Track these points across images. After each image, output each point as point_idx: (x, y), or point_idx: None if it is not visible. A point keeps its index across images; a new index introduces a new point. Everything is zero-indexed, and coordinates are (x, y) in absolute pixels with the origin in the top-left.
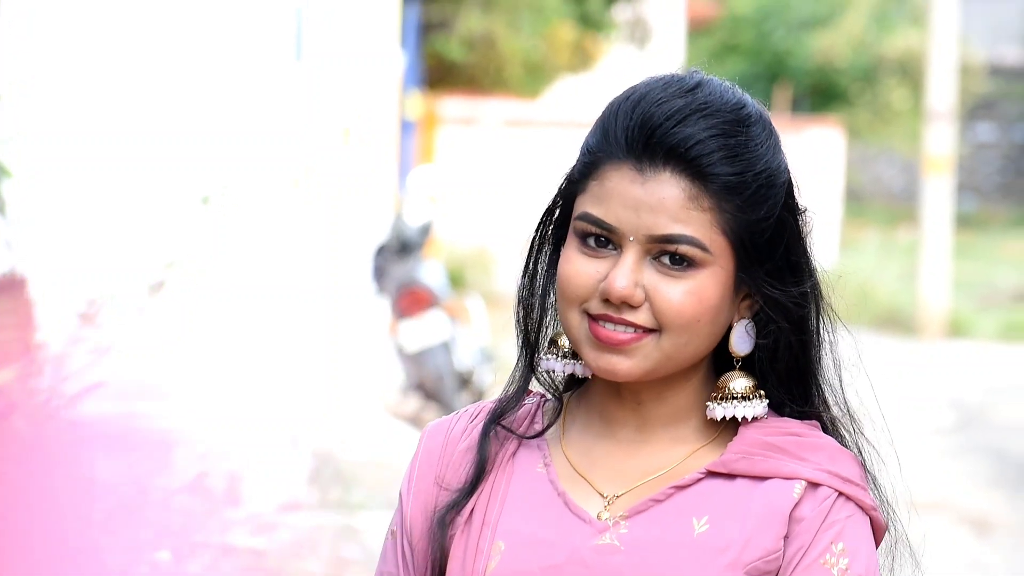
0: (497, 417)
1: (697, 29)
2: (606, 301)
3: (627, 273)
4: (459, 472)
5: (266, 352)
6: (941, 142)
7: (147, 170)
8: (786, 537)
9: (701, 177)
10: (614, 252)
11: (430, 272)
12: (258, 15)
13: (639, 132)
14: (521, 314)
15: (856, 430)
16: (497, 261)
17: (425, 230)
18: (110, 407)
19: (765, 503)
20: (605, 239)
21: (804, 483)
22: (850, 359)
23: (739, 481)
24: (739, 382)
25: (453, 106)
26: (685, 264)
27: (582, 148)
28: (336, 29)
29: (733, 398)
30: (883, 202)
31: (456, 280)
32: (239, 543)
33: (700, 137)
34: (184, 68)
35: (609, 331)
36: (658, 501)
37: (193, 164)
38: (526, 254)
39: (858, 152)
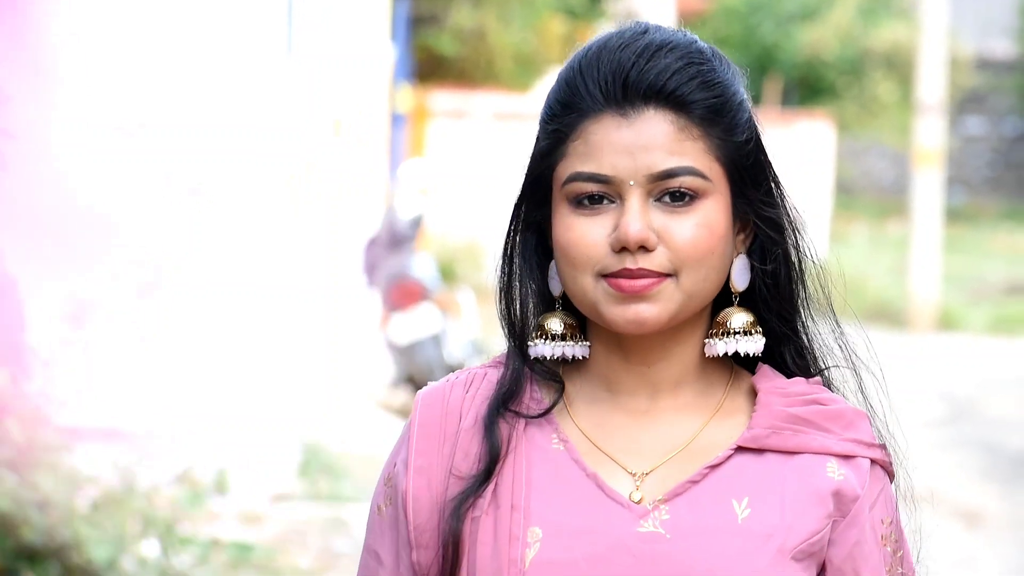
0: (503, 402)
1: (687, 22)
2: (621, 253)
3: (638, 216)
4: (468, 454)
5: (256, 345)
6: (931, 135)
7: (137, 165)
8: (838, 518)
9: (683, 107)
10: (612, 205)
11: (421, 265)
12: (249, 9)
13: (613, 78)
14: (503, 303)
15: (851, 354)
16: (488, 254)
17: (416, 223)
18: (99, 399)
19: (800, 482)
20: (599, 196)
21: (835, 458)
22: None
23: (768, 457)
24: (739, 317)
25: (443, 99)
26: (687, 198)
27: (545, 119)
28: (327, 23)
29: (734, 334)
30: (873, 195)
31: (447, 273)
32: (227, 535)
33: (675, 67)
34: (175, 62)
35: (630, 282)
36: (695, 482)
37: (184, 158)
38: (504, 244)
39: (848, 145)
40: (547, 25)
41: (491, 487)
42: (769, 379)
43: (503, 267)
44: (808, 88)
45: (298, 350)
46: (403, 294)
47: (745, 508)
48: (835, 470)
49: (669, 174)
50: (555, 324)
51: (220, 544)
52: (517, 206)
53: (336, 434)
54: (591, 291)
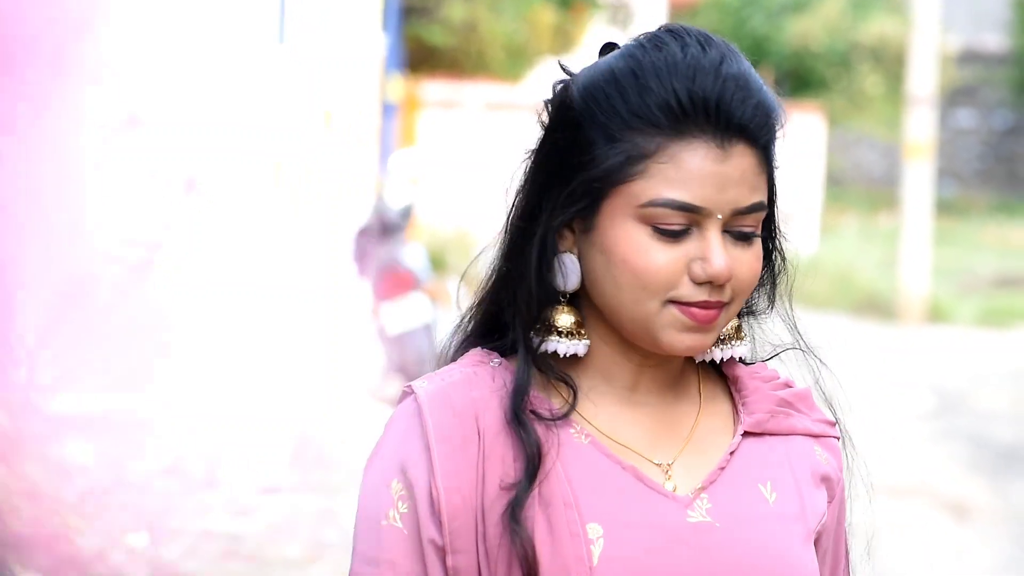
0: (522, 401)
1: (679, 13)
2: (701, 284)
3: (723, 252)
4: (505, 459)
5: (247, 335)
6: (921, 128)
7: (129, 153)
8: (830, 500)
9: (761, 143)
10: (690, 233)
11: (411, 254)
12: (241, 0)
13: (717, 107)
14: (514, 299)
15: (803, 341)
16: (478, 243)
17: (406, 213)
18: (89, 388)
19: (803, 466)
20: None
21: (816, 442)
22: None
23: (768, 440)
24: (730, 323)
25: (434, 89)
26: (752, 231)
27: (615, 127)
28: (318, 14)
29: (729, 340)
30: (864, 188)
31: (437, 262)
32: (217, 527)
33: (760, 102)
34: (167, 53)
35: (704, 312)
36: (722, 469)
37: (176, 146)
38: (519, 238)
39: (838, 137)
40: (538, 16)
41: (535, 487)
42: (738, 365)
43: (516, 261)
44: (798, 80)
45: (288, 340)
46: (393, 283)
47: (771, 492)
48: (821, 454)
49: (750, 209)
50: (566, 320)
51: (210, 535)
52: (546, 203)
53: (327, 424)
54: (655, 315)
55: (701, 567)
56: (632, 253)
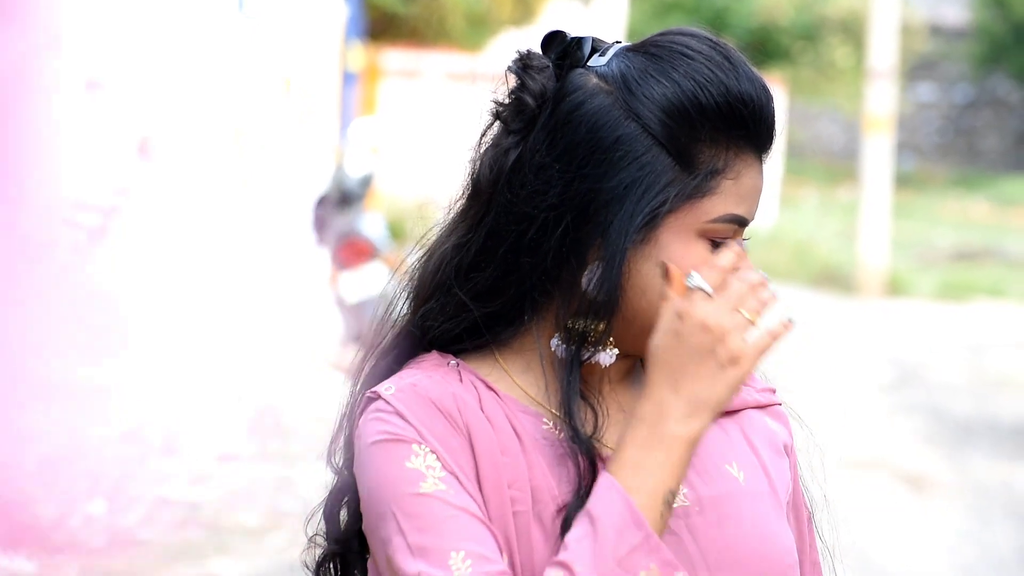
0: (571, 416)
1: None
2: None
3: None
4: (492, 458)
5: (205, 302)
6: (882, 101)
7: (87, 119)
8: (789, 467)
9: None
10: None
11: (370, 224)
12: None
13: (769, 123)
14: (590, 312)
15: None
16: (438, 213)
17: (366, 182)
18: (47, 354)
19: (760, 439)
20: None
21: (763, 412)
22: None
23: (718, 420)
24: None
25: (395, 58)
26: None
27: (686, 149)
28: None
29: None
30: (823, 160)
31: (396, 232)
32: (175, 494)
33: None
34: (127, 18)
35: None
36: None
37: (135, 113)
38: (615, 258)
39: (799, 110)
40: None
41: (527, 484)
42: None
43: (612, 279)
44: (760, 52)
45: (247, 308)
46: (352, 252)
47: (738, 471)
48: (772, 423)
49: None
50: (599, 328)
51: (168, 502)
52: (599, 218)
53: (285, 393)
54: None
55: (687, 552)
56: (695, 267)
